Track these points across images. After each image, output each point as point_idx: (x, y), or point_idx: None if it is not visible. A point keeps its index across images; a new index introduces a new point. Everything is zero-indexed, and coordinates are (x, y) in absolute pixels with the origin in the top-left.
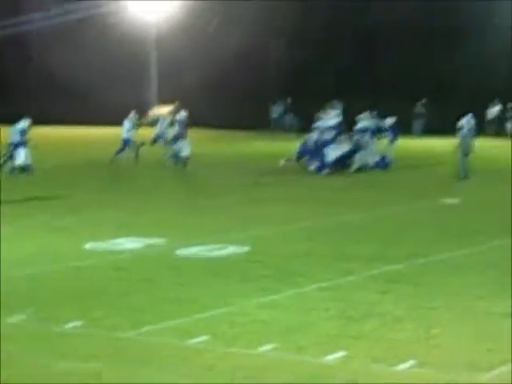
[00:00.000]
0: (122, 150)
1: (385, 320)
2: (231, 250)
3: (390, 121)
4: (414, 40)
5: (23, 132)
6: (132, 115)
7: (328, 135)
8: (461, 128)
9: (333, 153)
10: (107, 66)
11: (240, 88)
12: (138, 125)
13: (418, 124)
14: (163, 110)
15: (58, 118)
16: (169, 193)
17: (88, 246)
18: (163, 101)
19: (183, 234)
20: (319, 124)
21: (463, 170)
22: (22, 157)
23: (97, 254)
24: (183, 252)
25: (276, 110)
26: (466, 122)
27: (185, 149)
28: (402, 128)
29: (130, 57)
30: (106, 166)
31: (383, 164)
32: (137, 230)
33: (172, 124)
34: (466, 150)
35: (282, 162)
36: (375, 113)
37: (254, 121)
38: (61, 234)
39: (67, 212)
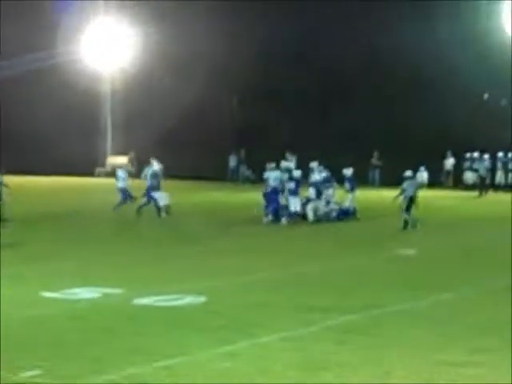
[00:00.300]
0: (124, 200)
1: (343, 370)
2: (188, 300)
3: (347, 171)
4: (369, 94)
5: None
6: (127, 165)
7: (291, 185)
8: (408, 178)
9: (295, 203)
10: (60, 117)
11: (194, 139)
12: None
13: (374, 175)
14: (119, 161)
15: (10, 169)
16: (128, 243)
17: (44, 295)
18: (117, 152)
19: (140, 284)
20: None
21: (411, 220)
22: None
23: (53, 304)
24: (140, 302)
25: (233, 161)
26: (412, 174)
27: (164, 199)
28: (358, 179)
29: (83, 108)
30: (62, 217)
31: (347, 213)
32: (93, 280)
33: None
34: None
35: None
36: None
37: (212, 172)
38: (16, 282)
39: (22, 261)
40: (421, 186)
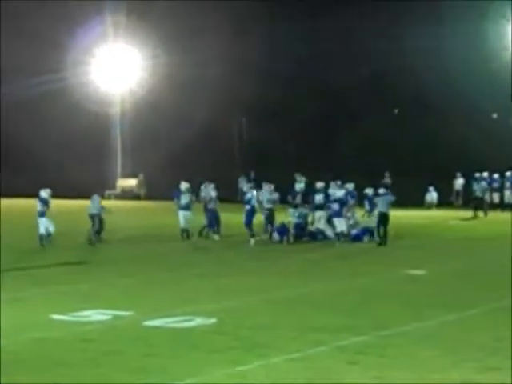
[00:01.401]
0: None
1: None
2: (198, 321)
3: (369, 191)
4: (377, 114)
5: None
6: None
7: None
8: (380, 195)
9: (341, 224)
10: (69, 139)
11: (203, 161)
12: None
13: None
14: (128, 183)
15: (19, 192)
16: (135, 265)
17: (54, 317)
18: (125, 174)
19: (150, 307)
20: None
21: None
22: None
23: (63, 326)
24: (150, 323)
25: (242, 182)
26: (385, 192)
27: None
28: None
29: (93, 131)
30: (72, 238)
31: (369, 234)
32: (103, 303)
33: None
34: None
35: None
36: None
37: (222, 193)
38: (25, 305)
39: (32, 284)
40: (392, 203)
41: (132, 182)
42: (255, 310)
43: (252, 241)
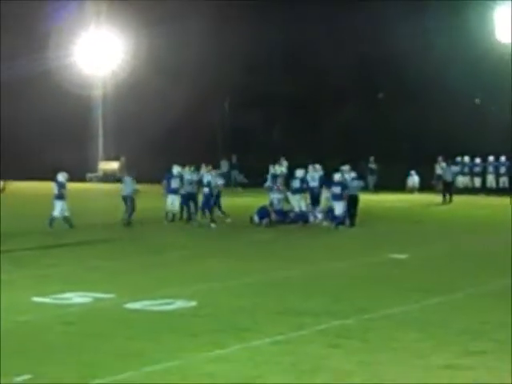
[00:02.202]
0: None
1: (335, 374)
2: (179, 304)
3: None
4: (359, 98)
5: None
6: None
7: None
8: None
9: (340, 207)
10: (51, 122)
11: (185, 144)
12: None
13: (371, 179)
14: (110, 166)
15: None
16: (117, 248)
17: (35, 300)
18: (107, 157)
19: (131, 289)
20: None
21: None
22: None
23: (44, 309)
24: (131, 306)
25: (224, 166)
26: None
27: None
28: None
29: (74, 113)
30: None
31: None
32: (84, 286)
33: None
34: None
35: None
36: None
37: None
38: (6, 288)
39: (13, 267)
40: (362, 187)
41: (114, 165)
42: (236, 293)
43: (213, 225)
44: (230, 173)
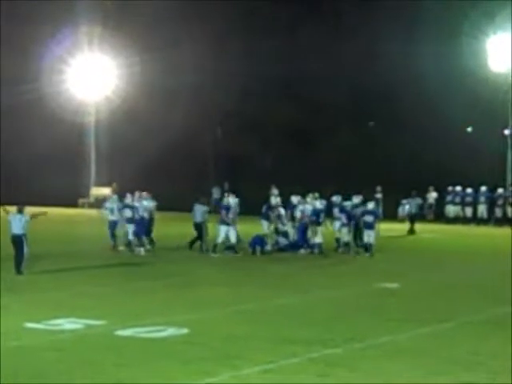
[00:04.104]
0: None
1: None
2: (170, 331)
3: (336, 199)
4: (353, 128)
5: None
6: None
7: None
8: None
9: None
10: (44, 147)
11: (178, 170)
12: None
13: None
14: (102, 192)
15: None
16: (108, 274)
17: (27, 326)
18: (99, 183)
19: (122, 316)
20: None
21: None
22: None
23: (36, 335)
24: (123, 333)
25: (216, 193)
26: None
27: None
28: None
29: (67, 139)
30: (46, 246)
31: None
32: (75, 311)
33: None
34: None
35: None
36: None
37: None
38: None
39: (5, 292)
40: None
41: (106, 191)
42: (228, 320)
43: (141, 250)
44: (221, 199)
